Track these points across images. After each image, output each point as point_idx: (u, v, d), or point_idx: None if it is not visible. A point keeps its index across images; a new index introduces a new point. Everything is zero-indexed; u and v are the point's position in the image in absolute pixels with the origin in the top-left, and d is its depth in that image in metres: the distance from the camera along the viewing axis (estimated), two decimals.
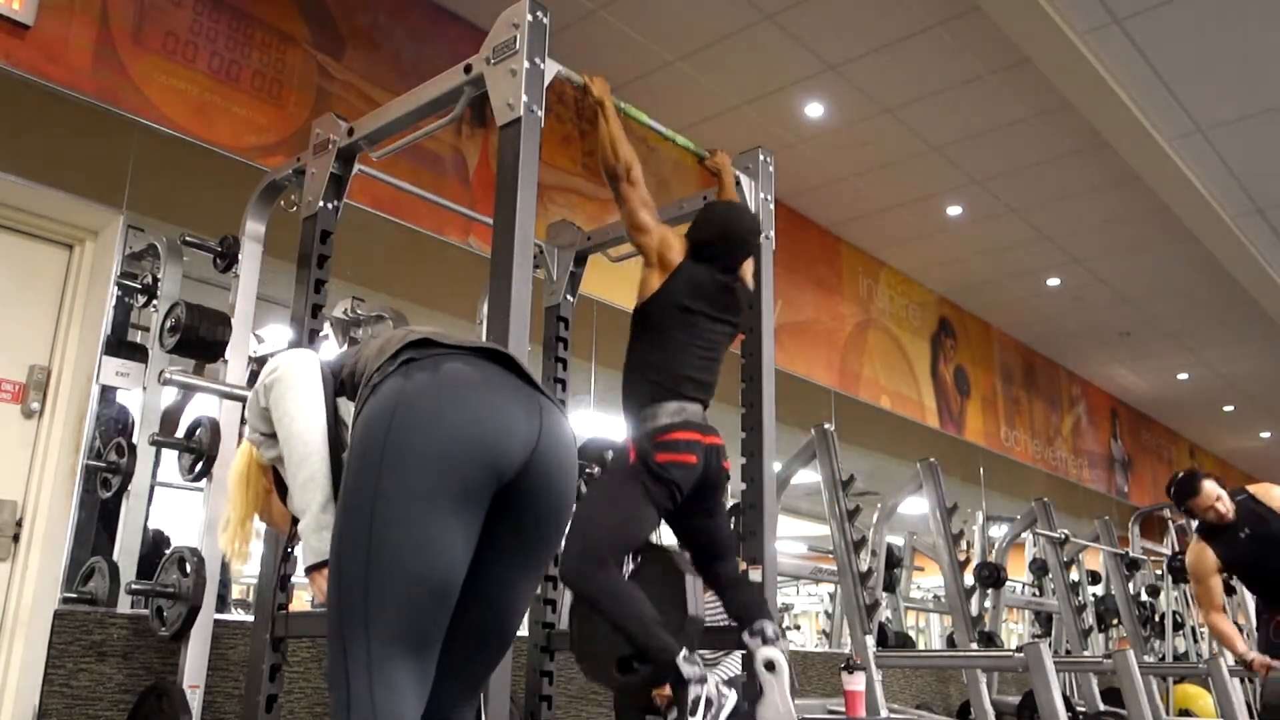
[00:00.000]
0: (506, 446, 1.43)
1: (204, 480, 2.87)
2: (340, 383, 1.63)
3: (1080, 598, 6.73)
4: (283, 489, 1.69)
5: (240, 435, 1.92)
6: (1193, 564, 4.08)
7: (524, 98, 2.15)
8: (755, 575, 2.65)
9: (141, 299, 3.31)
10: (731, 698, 2.23)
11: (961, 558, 5.21)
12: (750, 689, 2.45)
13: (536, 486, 1.48)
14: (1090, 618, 6.90)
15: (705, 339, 2.58)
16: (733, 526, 3.83)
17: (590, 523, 2.39)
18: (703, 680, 2.18)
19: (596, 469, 3.16)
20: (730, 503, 4.67)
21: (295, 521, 1.57)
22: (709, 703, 2.17)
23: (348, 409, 1.60)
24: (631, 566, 2.57)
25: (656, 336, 2.56)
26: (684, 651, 2.21)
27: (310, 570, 1.55)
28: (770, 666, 2.29)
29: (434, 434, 1.38)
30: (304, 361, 1.62)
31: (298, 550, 2.44)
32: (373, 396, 1.46)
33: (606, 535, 2.36)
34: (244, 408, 1.78)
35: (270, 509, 1.75)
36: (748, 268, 2.77)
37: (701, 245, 2.62)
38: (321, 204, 2.69)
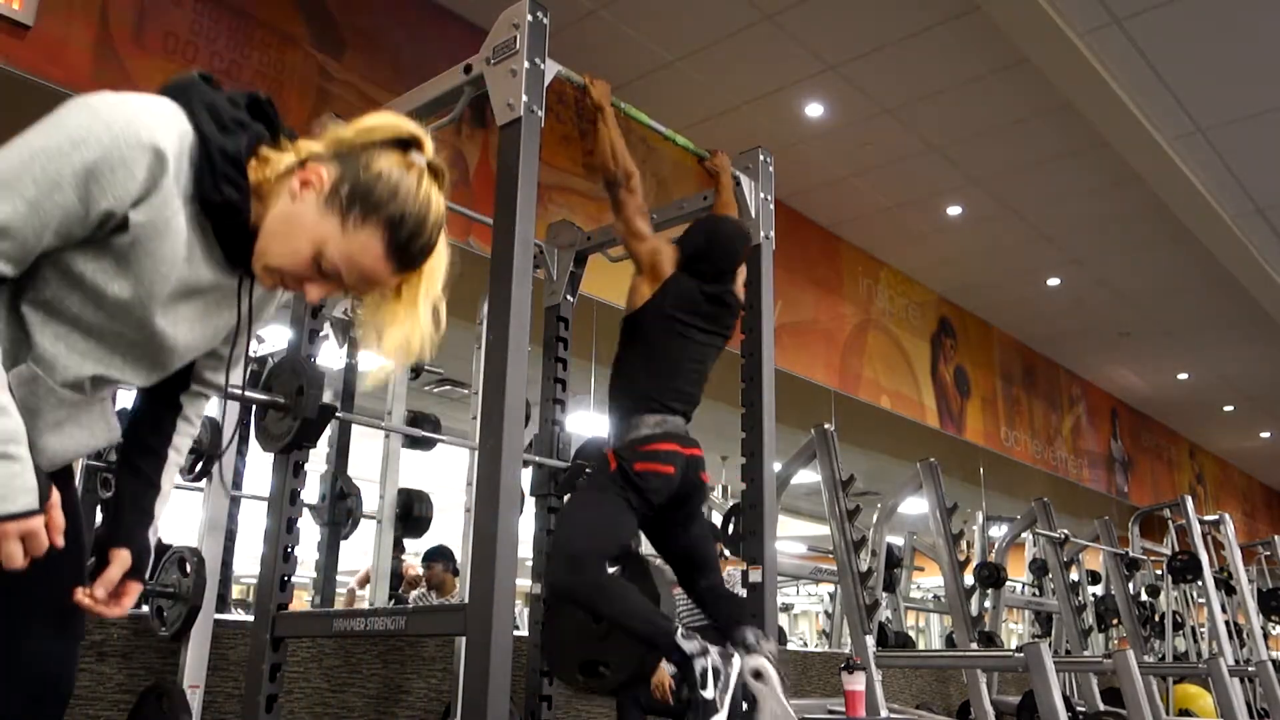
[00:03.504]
0: None
1: (204, 480, 2.87)
2: None
3: (1080, 598, 6.73)
4: None
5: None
6: None
7: (524, 98, 2.15)
8: (755, 575, 2.65)
9: None
10: (736, 666, 2.25)
11: (961, 558, 5.21)
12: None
13: None
14: (1090, 618, 6.90)
15: (694, 353, 2.61)
16: (732, 528, 3.84)
17: (572, 529, 2.46)
18: (704, 652, 2.22)
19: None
20: (730, 503, 4.67)
21: None
22: (716, 672, 2.20)
23: None
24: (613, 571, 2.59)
25: (645, 347, 2.59)
26: (680, 629, 2.26)
27: None
28: (757, 675, 2.28)
29: None
30: None
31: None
32: None
33: (588, 540, 2.40)
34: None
35: None
36: (739, 281, 2.78)
37: (691, 255, 2.65)
38: None
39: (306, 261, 1.16)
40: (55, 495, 1.06)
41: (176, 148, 1.08)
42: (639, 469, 2.45)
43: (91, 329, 1.12)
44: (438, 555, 4.97)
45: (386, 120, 1.20)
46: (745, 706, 2.44)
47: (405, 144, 1.19)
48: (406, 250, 1.16)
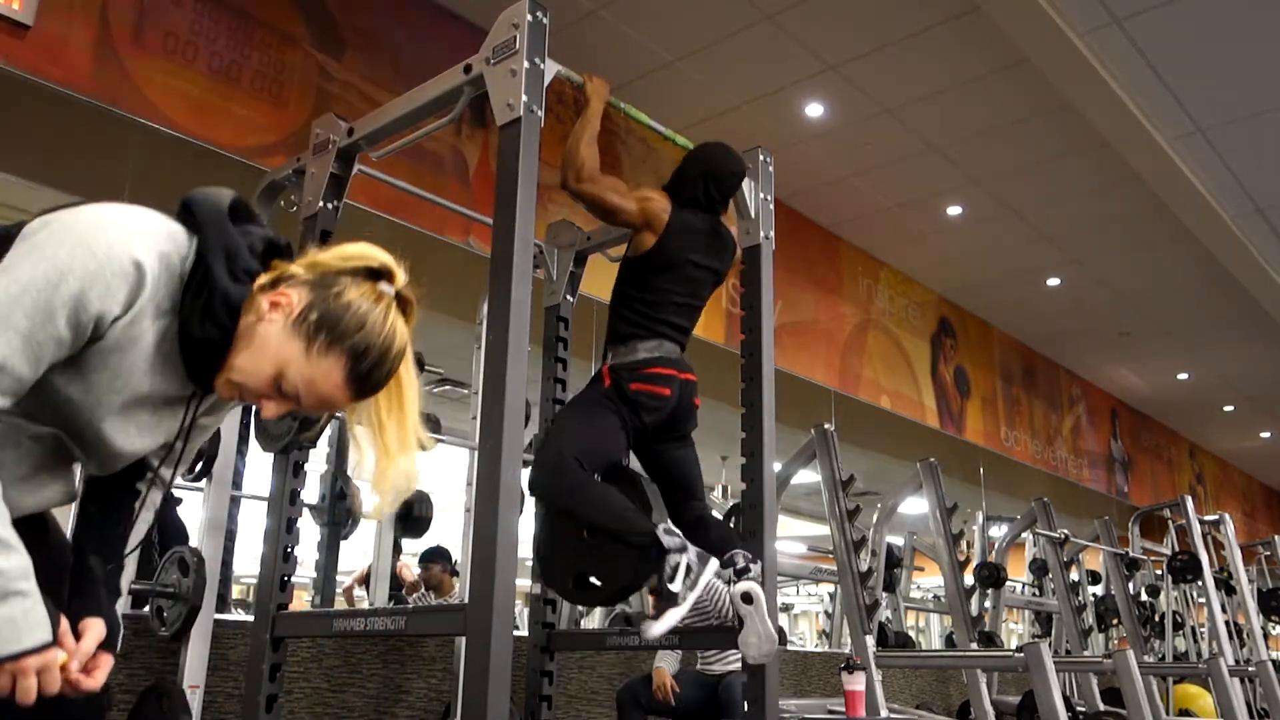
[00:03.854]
0: None
1: (204, 480, 2.87)
2: None
3: (1080, 598, 6.73)
4: None
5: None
6: None
7: (524, 98, 2.15)
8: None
9: None
10: (711, 567, 2.29)
11: (961, 558, 5.21)
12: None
13: None
14: (1090, 618, 6.90)
15: (689, 287, 2.67)
16: (733, 526, 3.84)
17: (561, 436, 2.50)
18: (683, 549, 2.26)
19: None
20: (730, 503, 4.66)
21: None
22: (689, 569, 2.24)
23: None
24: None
25: (642, 285, 2.65)
26: (662, 525, 2.31)
27: None
28: (747, 599, 2.30)
29: None
30: None
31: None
32: None
33: (576, 447, 2.44)
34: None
35: None
36: (730, 218, 2.82)
37: (684, 184, 2.73)
38: (321, 204, 2.69)
39: (267, 381, 1.18)
40: (65, 623, 1.10)
41: (155, 267, 1.10)
42: (634, 388, 2.52)
43: (54, 418, 1.15)
44: (435, 556, 4.97)
45: (361, 250, 1.23)
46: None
47: (377, 274, 1.22)
48: (366, 380, 1.19)
